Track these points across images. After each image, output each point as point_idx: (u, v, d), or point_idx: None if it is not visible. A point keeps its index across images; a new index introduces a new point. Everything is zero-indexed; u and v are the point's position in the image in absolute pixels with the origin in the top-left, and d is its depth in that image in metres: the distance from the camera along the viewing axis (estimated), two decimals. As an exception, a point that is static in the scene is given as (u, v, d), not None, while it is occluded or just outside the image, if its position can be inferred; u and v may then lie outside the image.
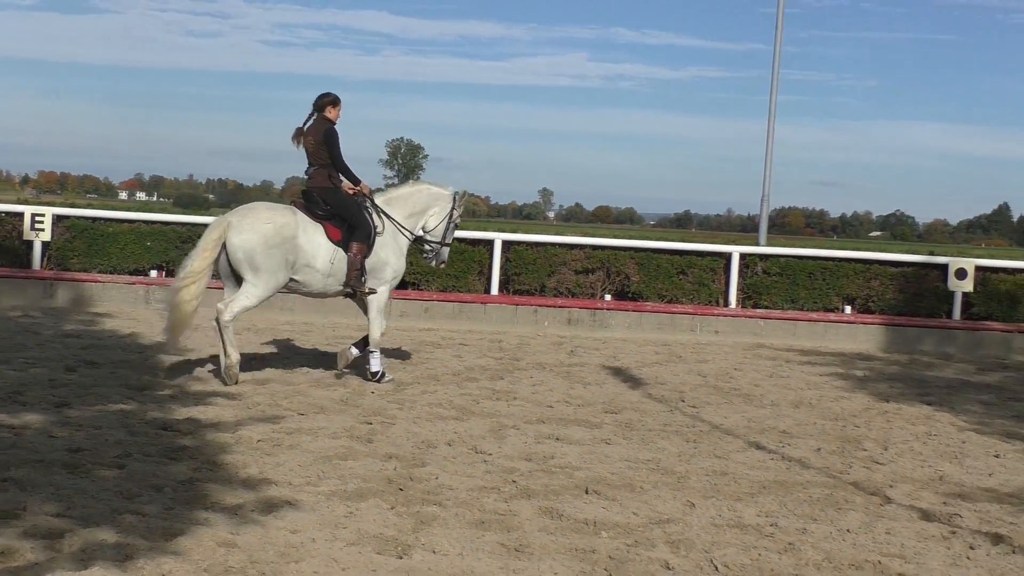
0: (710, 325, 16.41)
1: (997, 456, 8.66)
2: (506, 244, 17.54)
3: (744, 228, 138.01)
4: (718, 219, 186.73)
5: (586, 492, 6.84)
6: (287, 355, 12.18)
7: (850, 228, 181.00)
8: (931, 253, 20.09)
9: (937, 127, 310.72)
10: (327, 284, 10.48)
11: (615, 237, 19.29)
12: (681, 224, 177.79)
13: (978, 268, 17.47)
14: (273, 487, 6.56)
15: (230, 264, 10.13)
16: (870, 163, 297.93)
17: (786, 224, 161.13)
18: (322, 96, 10.58)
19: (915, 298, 17.55)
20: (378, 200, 10.91)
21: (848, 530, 6.31)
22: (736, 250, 17.78)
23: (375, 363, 10.66)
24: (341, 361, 10.88)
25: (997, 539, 6.25)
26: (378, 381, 10.56)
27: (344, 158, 10.55)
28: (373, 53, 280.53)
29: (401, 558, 5.41)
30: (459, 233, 13.25)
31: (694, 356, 14.08)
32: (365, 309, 10.82)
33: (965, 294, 17.39)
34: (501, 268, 17.36)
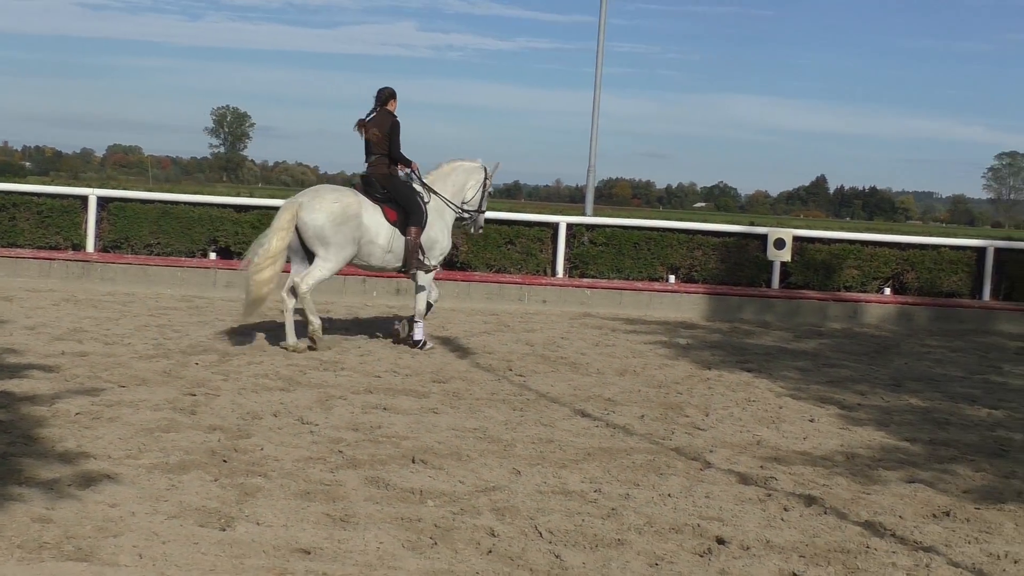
0: (537, 295, 16.57)
1: (812, 420, 8.96)
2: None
3: (573, 199, 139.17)
4: (547, 190, 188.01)
5: (413, 461, 6.84)
6: (108, 326, 11.87)
7: (675, 199, 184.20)
8: (751, 224, 20.66)
9: (758, 100, 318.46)
10: (386, 260, 11.47)
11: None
12: (510, 194, 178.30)
13: (796, 238, 18.03)
14: (92, 461, 6.39)
15: (301, 242, 11.08)
16: (695, 135, 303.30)
17: (613, 195, 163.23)
18: (382, 90, 11.67)
19: (736, 267, 18.03)
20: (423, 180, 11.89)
21: (669, 495, 6.45)
22: (563, 220, 17.98)
23: (419, 332, 11.68)
24: (399, 333, 11.91)
25: (810, 500, 6.47)
26: (420, 348, 11.53)
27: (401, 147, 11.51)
28: (197, 18, 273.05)
29: (224, 530, 5.33)
30: (276, 202, 15.47)
31: (522, 325, 14.20)
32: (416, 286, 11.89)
33: (783, 263, 17.94)
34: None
